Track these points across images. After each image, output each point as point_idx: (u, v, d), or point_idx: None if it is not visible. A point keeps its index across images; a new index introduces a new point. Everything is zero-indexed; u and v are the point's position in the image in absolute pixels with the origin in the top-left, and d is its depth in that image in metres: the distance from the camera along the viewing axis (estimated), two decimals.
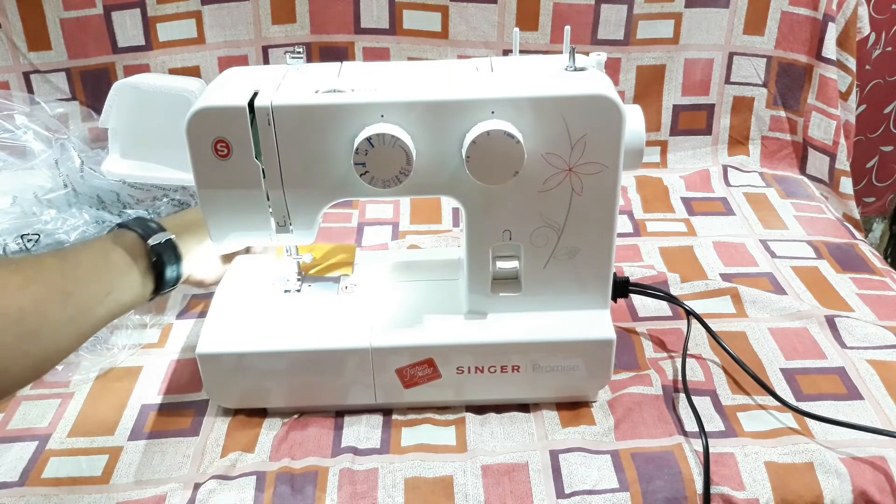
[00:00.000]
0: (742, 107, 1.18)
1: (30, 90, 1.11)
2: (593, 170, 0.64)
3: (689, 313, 0.79)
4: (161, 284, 0.67)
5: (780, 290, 0.88)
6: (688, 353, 0.78)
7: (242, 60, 1.14)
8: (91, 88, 1.12)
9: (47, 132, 1.04)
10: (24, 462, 0.67)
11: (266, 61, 1.14)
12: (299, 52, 0.69)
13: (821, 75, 1.13)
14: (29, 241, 0.84)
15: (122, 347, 0.79)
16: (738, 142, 1.19)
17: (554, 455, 0.67)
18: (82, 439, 0.70)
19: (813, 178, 1.16)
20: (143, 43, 1.11)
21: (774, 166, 1.18)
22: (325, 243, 0.80)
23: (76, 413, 0.73)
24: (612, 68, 1.14)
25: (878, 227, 1.51)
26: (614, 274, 0.71)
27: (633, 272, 0.91)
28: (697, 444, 0.67)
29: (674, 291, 0.88)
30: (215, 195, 0.65)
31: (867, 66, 1.32)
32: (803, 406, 0.71)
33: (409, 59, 1.14)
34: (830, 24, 1.10)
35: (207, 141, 0.62)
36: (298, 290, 0.74)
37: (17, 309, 0.51)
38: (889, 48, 1.31)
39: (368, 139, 0.60)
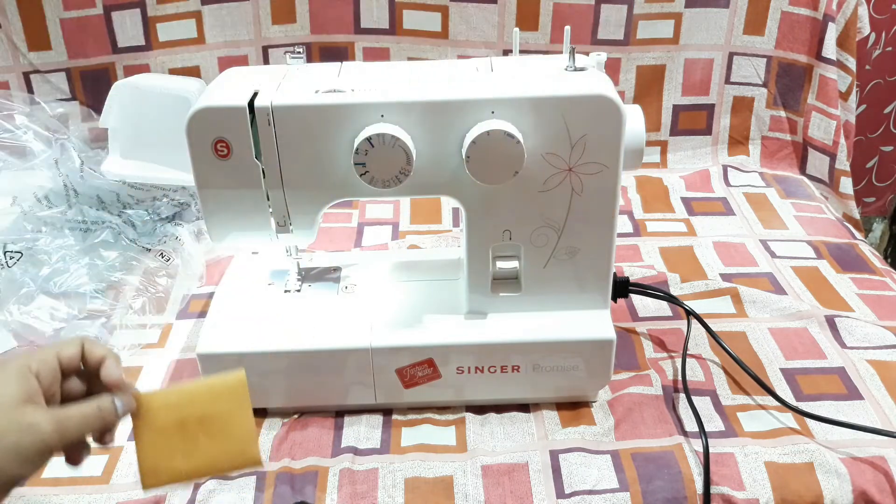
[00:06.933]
0: (742, 107, 1.18)
1: (30, 90, 1.11)
2: (593, 170, 0.64)
3: (689, 313, 0.79)
4: None
5: (780, 290, 0.88)
6: (688, 353, 0.78)
7: (242, 60, 1.14)
8: (91, 88, 1.12)
9: (47, 132, 1.04)
10: None
11: (266, 61, 1.14)
12: (299, 52, 0.69)
13: (821, 75, 1.13)
14: (11, 257, 0.83)
15: (122, 347, 0.79)
16: (738, 142, 1.19)
17: (554, 455, 0.67)
18: None
19: (813, 178, 1.16)
20: (143, 43, 1.11)
21: (774, 166, 1.18)
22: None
23: None
24: (612, 68, 1.14)
25: (878, 227, 1.51)
26: (614, 274, 0.71)
27: (633, 272, 0.91)
28: (697, 444, 0.67)
29: (674, 291, 0.88)
30: (215, 195, 0.65)
31: (867, 66, 1.32)
32: (803, 406, 0.71)
33: (409, 59, 1.14)
34: (830, 24, 1.10)
35: (207, 141, 0.62)
36: (298, 290, 0.74)
37: None
38: (889, 48, 1.31)
39: (368, 139, 0.60)
